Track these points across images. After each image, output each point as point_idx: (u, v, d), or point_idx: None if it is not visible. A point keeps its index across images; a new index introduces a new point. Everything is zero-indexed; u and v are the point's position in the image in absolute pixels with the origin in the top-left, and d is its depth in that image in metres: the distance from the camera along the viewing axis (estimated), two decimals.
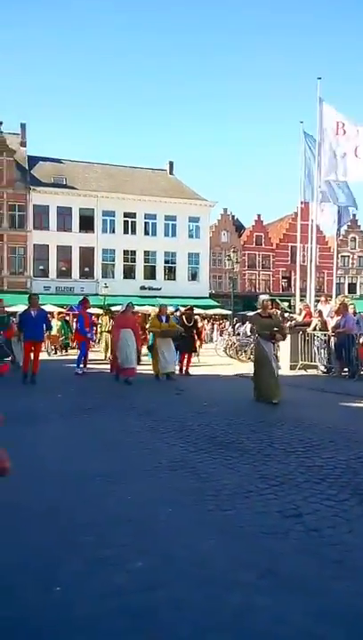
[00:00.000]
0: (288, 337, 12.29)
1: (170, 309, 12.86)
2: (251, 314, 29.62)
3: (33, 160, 37.98)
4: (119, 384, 9.67)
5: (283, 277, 46.74)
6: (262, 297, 8.53)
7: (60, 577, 2.35)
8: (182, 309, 10.51)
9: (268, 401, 7.37)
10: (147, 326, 11.77)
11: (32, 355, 9.89)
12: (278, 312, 12.77)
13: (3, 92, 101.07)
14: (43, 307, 13.04)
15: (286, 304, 35.82)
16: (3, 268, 35.40)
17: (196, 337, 12.52)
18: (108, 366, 13.34)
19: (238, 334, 18.97)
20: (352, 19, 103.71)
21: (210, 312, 35.06)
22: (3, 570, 2.41)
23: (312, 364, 11.97)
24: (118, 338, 9.86)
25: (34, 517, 3.06)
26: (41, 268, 36.70)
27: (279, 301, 38.62)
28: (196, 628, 1.98)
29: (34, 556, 2.57)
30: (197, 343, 13.32)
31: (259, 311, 8.22)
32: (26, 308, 10.53)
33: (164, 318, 10.34)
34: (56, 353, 18.47)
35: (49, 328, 11.37)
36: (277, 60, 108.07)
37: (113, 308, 24.32)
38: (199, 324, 14.59)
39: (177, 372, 11.17)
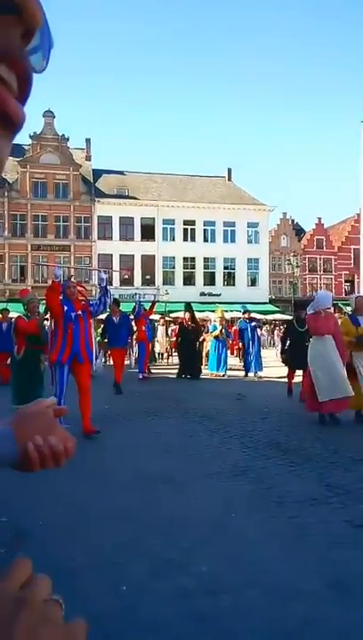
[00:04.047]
0: None
1: (229, 314, 10.85)
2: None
3: (97, 173, 39.30)
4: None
5: (346, 281, 45.06)
6: None
7: (127, 577, 2.40)
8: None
9: None
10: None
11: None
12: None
13: (70, 111, 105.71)
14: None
15: (349, 308, 34.50)
16: (70, 278, 36.94)
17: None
18: (174, 371, 13.18)
19: None
20: None
21: (270, 317, 34.53)
22: (73, 567, 2.50)
23: None
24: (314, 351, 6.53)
25: (103, 518, 3.16)
26: None
27: (342, 305, 37.27)
28: (260, 635, 1.96)
29: (103, 556, 2.64)
30: None
31: None
32: (107, 314, 10.18)
33: (361, 320, 6.59)
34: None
35: (132, 333, 11.12)
36: (335, 62, 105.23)
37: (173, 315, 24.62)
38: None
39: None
